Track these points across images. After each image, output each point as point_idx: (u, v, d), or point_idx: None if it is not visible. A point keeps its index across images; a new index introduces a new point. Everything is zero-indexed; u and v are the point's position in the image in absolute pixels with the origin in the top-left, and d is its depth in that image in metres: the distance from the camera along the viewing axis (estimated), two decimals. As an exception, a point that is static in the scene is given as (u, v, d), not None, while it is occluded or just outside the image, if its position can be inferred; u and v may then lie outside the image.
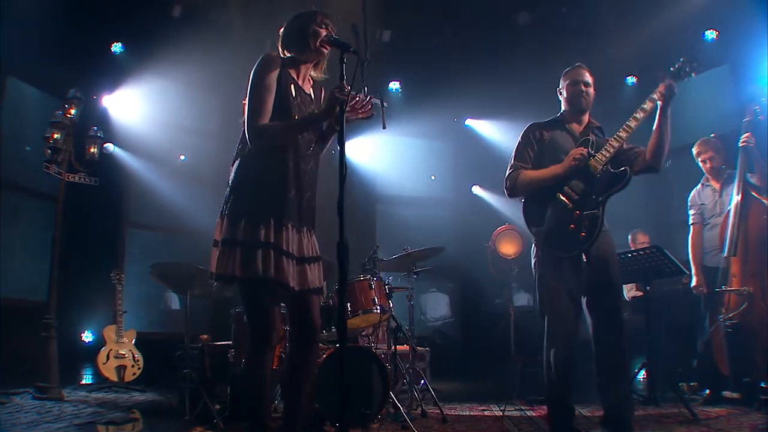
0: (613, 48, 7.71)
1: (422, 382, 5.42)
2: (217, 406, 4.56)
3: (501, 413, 4.89)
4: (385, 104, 3.13)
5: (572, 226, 3.59)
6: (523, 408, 5.25)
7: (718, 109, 7.40)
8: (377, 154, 9.27)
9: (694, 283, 5.24)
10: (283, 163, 2.96)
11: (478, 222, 9.34)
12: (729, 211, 5.00)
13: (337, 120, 2.81)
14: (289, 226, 2.91)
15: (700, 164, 5.38)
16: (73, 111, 5.50)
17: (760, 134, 4.98)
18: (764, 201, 4.83)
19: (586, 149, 3.59)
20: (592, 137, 3.67)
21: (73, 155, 5.60)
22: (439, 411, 4.88)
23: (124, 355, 6.25)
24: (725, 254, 4.92)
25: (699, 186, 5.45)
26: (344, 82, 2.80)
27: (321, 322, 4.80)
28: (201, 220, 8.01)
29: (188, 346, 4.75)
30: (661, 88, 3.55)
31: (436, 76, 8.77)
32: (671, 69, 3.65)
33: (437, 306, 10.41)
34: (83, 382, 6.61)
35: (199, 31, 7.20)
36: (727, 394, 4.99)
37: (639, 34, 7.39)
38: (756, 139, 4.96)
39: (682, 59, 3.66)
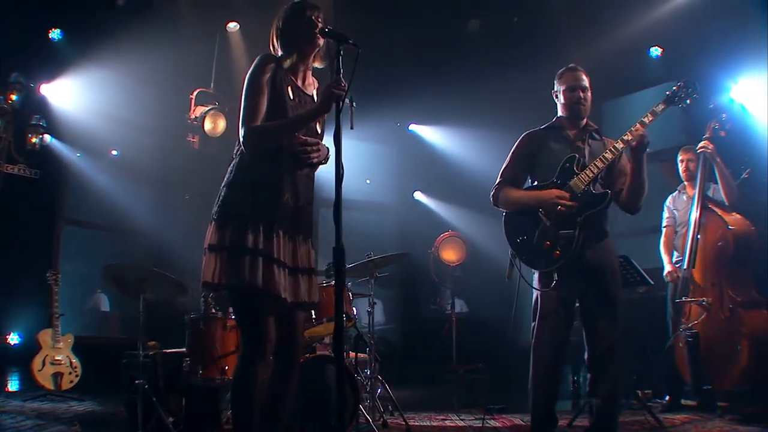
0: (559, 60, 7.78)
1: (378, 390, 5.31)
2: (171, 419, 4.30)
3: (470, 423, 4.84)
4: (354, 104, 3.03)
5: (548, 243, 3.54)
6: (485, 417, 5.19)
7: (664, 125, 7.58)
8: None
9: (668, 269, 5.28)
10: (277, 166, 2.79)
11: (419, 228, 9.30)
12: (690, 223, 5.11)
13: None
14: (281, 233, 2.75)
15: (680, 168, 5.46)
16: (14, 97, 5.11)
17: (720, 151, 5.07)
18: (722, 215, 4.94)
19: (569, 203, 3.48)
20: (579, 155, 3.60)
21: (13, 145, 5.19)
22: (402, 421, 4.77)
23: (61, 361, 5.81)
24: (684, 266, 5.02)
25: (676, 192, 5.55)
26: (341, 76, 2.67)
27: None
28: (139, 218, 7.66)
29: (141, 354, 4.42)
30: (629, 135, 3.46)
31: (381, 79, 8.65)
32: (668, 94, 3.58)
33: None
34: (9, 388, 6.14)
35: (143, 22, 6.85)
36: (684, 401, 5.15)
37: (586, 48, 7.45)
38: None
39: (679, 83, 3.58)
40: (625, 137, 3.48)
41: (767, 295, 4.85)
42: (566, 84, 3.71)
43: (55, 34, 6.91)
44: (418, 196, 9.94)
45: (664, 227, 5.52)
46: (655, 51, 7.63)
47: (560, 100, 3.75)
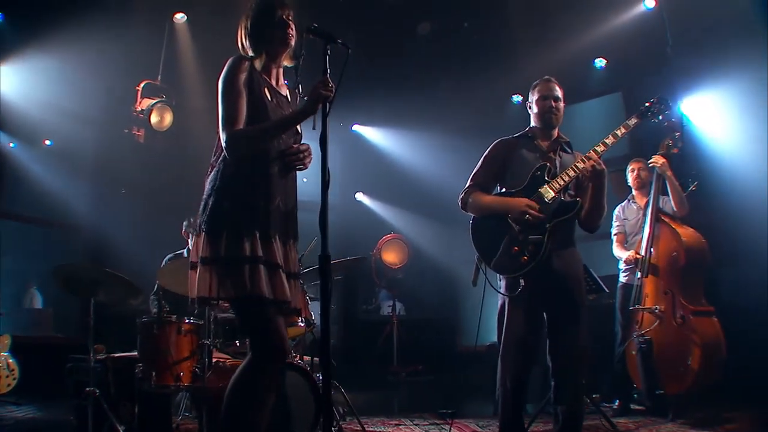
0: (505, 67, 7.88)
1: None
2: (122, 427, 4.13)
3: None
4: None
5: (516, 248, 3.54)
6: (438, 423, 5.22)
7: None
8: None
9: (628, 255, 5.33)
10: (266, 170, 2.72)
11: (361, 229, 9.27)
12: (643, 233, 5.26)
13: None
14: (276, 237, 2.68)
15: (630, 177, 5.59)
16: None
17: (673, 168, 5.22)
18: (675, 227, 5.10)
19: (538, 215, 3.49)
20: (551, 164, 3.64)
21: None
22: (359, 426, 4.73)
23: (-2, 363, 5.56)
24: (638, 276, 5.17)
25: (625, 202, 5.68)
26: (328, 76, 2.64)
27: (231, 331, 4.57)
28: (78, 213, 7.37)
29: (92, 359, 4.23)
30: (601, 147, 3.55)
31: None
32: (641, 108, 3.69)
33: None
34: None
35: (89, 8, 6.56)
36: (634, 406, 5.34)
37: (533, 56, 7.56)
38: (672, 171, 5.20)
39: (653, 99, 3.70)
40: (598, 148, 3.55)
41: (715, 304, 5.05)
42: (539, 94, 3.76)
43: (-6, 17, 6.56)
44: (360, 197, 9.90)
45: (615, 234, 5.64)
46: (600, 62, 7.78)
47: (533, 110, 3.79)
